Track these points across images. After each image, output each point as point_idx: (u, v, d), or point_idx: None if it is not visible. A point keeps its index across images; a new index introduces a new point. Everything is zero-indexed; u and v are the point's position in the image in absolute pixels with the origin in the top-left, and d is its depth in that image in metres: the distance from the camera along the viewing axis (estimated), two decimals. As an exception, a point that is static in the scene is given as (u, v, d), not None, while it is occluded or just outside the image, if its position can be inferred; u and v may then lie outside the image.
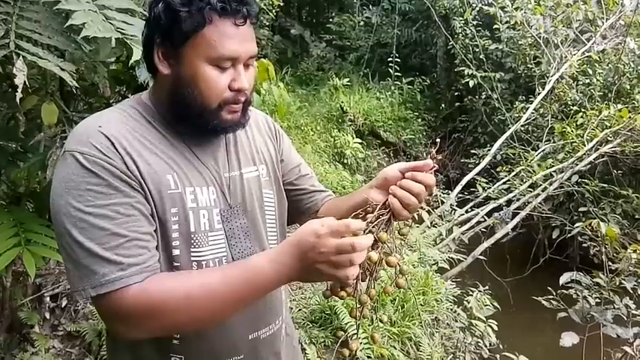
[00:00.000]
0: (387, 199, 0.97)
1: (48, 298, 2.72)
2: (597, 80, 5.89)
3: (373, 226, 0.94)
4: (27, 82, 1.28)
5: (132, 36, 1.44)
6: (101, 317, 0.94)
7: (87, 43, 1.74)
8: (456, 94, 8.33)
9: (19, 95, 1.26)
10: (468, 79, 7.15)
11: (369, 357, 2.66)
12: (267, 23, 7.83)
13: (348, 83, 7.77)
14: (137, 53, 1.42)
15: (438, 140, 1.00)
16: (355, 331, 1.02)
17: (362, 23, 9.81)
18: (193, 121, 0.98)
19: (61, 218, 0.88)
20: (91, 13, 1.39)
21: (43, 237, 1.99)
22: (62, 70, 1.40)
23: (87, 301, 2.46)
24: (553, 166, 5.12)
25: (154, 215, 0.93)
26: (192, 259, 0.97)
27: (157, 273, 0.91)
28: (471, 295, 3.53)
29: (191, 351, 1.01)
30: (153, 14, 0.95)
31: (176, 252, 0.95)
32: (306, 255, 0.84)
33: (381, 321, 1.10)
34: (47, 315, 2.71)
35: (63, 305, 2.75)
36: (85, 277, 0.87)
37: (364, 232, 0.91)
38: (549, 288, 3.27)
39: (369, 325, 2.89)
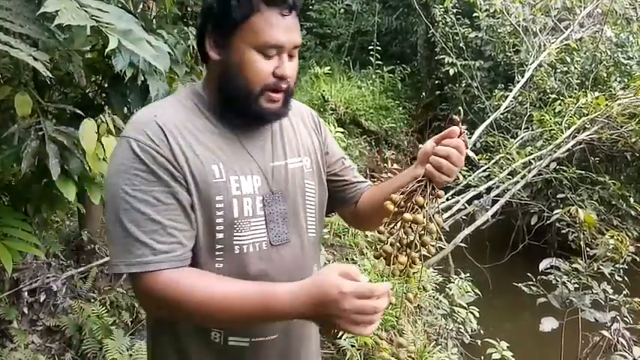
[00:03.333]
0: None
1: (26, 293, 2.67)
2: (575, 68, 5.95)
3: (409, 193, 1.01)
4: (-1, 72, 1.24)
5: (107, 24, 1.40)
6: (134, 293, 1.03)
7: (61, 31, 1.69)
8: (437, 82, 8.34)
9: (-10, 86, 1.21)
10: (448, 68, 7.17)
11: (352, 345, 2.68)
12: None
13: (329, 72, 7.73)
14: (113, 41, 1.38)
15: (459, 114, 1.05)
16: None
17: (342, 11, 9.75)
18: (237, 106, 1.04)
19: (110, 197, 0.98)
20: (64, 0, 1.35)
21: (19, 231, 1.95)
22: (35, 59, 1.36)
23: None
24: (532, 153, 5.17)
25: (193, 206, 1.00)
26: (235, 242, 1.04)
27: (187, 264, 0.99)
28: (453, 283, 3.57)
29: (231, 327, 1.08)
30: (206, 4, 1.04)
31: (220, 236, 1.03)
32: (328, 307, 0.87)
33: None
34: (25, 310, 2.66)
35: (41, 300, 2.71)
36: (120, 255, 0.96)
37: (400, 203, 0.99)
38: (529, 274, 3.32)
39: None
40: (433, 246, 1.01)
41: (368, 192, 1.28)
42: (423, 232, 0.99)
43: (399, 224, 1.00)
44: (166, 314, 1.00)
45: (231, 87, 1.03)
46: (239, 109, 1.05)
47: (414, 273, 1.00)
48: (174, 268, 0.97)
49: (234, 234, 1.04)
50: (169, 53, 1.81)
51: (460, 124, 1.02)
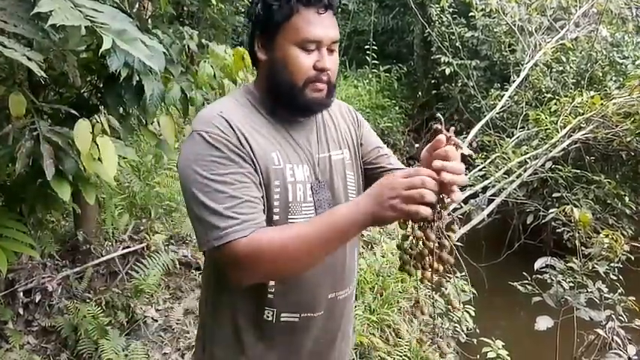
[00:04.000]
0: None
1: (21, 294, 2.67)
2: (570, 68, 5.97)
3: None
4: (-8, 73, 1.23)
5: (101, 24, 1.40)
6: (221, 265, 1.11)
7: (55, 31, 1.69)
8: (433, 81, 8.36)
9: (-17, 86, 1.21)
10: (444, 67, 7.17)
11: (348, 345, 2.68)
12: (243, 10, 7.71)
13: (326, 71, 7.70)
14: (107, 41, 1.38)
15: (439, 121, 1.01)
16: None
17: (339, 10, 9.75)
18: (284, 99, 1.16)
19: (189, 185, 1.08)
20: (58, 0, 1.34)
21: (14, 232, 1.95)
22: (29, 59, 1.35)
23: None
24: (527, 152, 5.19)
25: (261, 184, 1.12)
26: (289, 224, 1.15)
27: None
28: (449, 282, 3.56)
29: (282, 304, 1.18)
30: (253, 12, 1.17)
31: (276, 217, 1.14)
32: (381, 192, 0.95)
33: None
34: (21, 310, 2.66)
35: (37, 300, 2.71)
36: (209, 232, 1.05)
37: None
38: (524, 273, 3.32)
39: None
40: (447, 261, 1.02)
41: None
42: (437, 246, 0.99)
43: (411, 239, 1.01)
44: (252, 273, 1.06)
45: (277, 82, 1.15)
46: (287, 102, 1.16)
47: (446, 280, 1.03)
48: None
49: (289, 216, 1.15)
50: (164, 53, 1.80)
51: (443, 129, 0.99)
